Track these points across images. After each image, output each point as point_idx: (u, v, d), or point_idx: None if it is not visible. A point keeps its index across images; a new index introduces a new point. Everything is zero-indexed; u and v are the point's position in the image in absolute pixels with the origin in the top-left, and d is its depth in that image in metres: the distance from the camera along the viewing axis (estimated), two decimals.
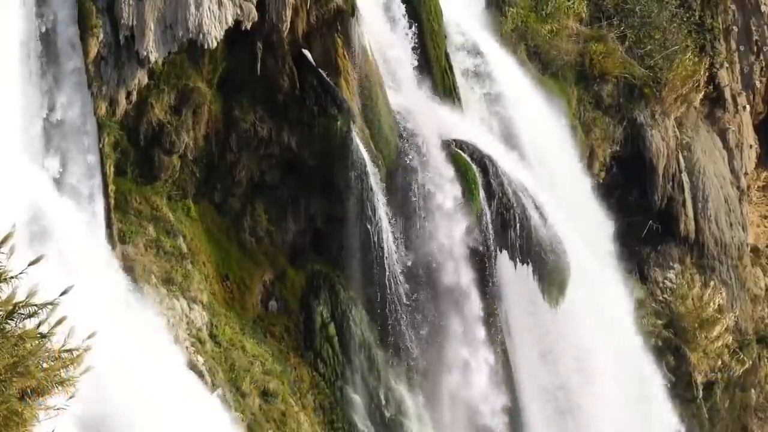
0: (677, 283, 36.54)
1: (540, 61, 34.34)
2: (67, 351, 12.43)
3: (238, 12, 25.48)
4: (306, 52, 27.28)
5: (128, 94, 25.38)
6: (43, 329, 12.55)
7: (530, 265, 29.39)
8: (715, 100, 38.84)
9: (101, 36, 24.62)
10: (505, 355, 30.07)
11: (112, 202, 25.47)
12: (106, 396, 19.65)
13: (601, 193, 34.97)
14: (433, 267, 28.60)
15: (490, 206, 28.97)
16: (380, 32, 29.04)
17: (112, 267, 24.84)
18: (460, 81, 30.95)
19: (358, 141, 27.29)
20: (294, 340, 28.52)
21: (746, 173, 39.85)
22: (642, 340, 33.75)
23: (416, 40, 29.62)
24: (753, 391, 38.21)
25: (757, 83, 40.14)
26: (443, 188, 28.51)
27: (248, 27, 25.88)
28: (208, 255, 27.60)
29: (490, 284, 29.23)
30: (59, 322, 12.42)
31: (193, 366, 25.47)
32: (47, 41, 24.21)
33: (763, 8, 39.44)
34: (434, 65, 29.93)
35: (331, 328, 28.52)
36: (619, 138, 35.78)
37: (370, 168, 27.45)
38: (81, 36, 24.48)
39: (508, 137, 31.32)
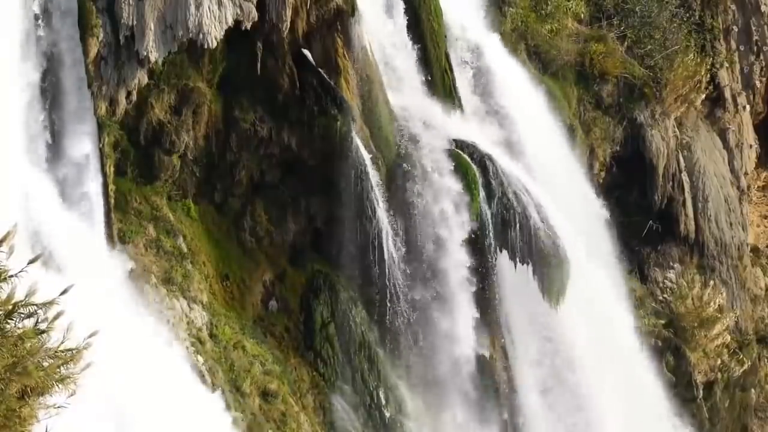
0: (677, 283, 36.51)
1: (540, 61, 34.33)
2: (66, 350, 12.43)
3: (238, 12, 25.48)
4: (306, 52, 27.30)
5: (128, 94, 25.38)
6: (41, 326, 12.54)
7: (530, 264, 29.40)
8: (715, 100, 38.80)
9: (101, 36, 24.63)
10: (504, 352, 30.10)
11: (112, 202, 25.47)
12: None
13: (601, 193, 34.94)
14: (433, 266, 28.60)
15: (490, 206, 28.98)
16: (380, 32, 29.05)
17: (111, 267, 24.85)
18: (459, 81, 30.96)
19: (358, 141, 27.30)
20: (294, 340, 28.53)
21: (746, 173, 39.82)
22: (641, 339, 33.73)
23: (416, 40, 29.62)
24: (753, 391, 38.18)
25: (757, 83, 40.10)
26: (443, 188, 28.51)
27: (248, 27, 25.89)
28: (208, 255, 27.61)
29: (491, 284, 29.24)
30: (57, 316, 12.42)
31: (192, 366, 25.47)
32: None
33: (763, 8, 39.40)
34: (434, 65, 29.93)
35: (331, 328, 28.53)
36: (619, 138, 35.76)
37: (370, 168, 27.46)
38: (81, 36, 24.50)
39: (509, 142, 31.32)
